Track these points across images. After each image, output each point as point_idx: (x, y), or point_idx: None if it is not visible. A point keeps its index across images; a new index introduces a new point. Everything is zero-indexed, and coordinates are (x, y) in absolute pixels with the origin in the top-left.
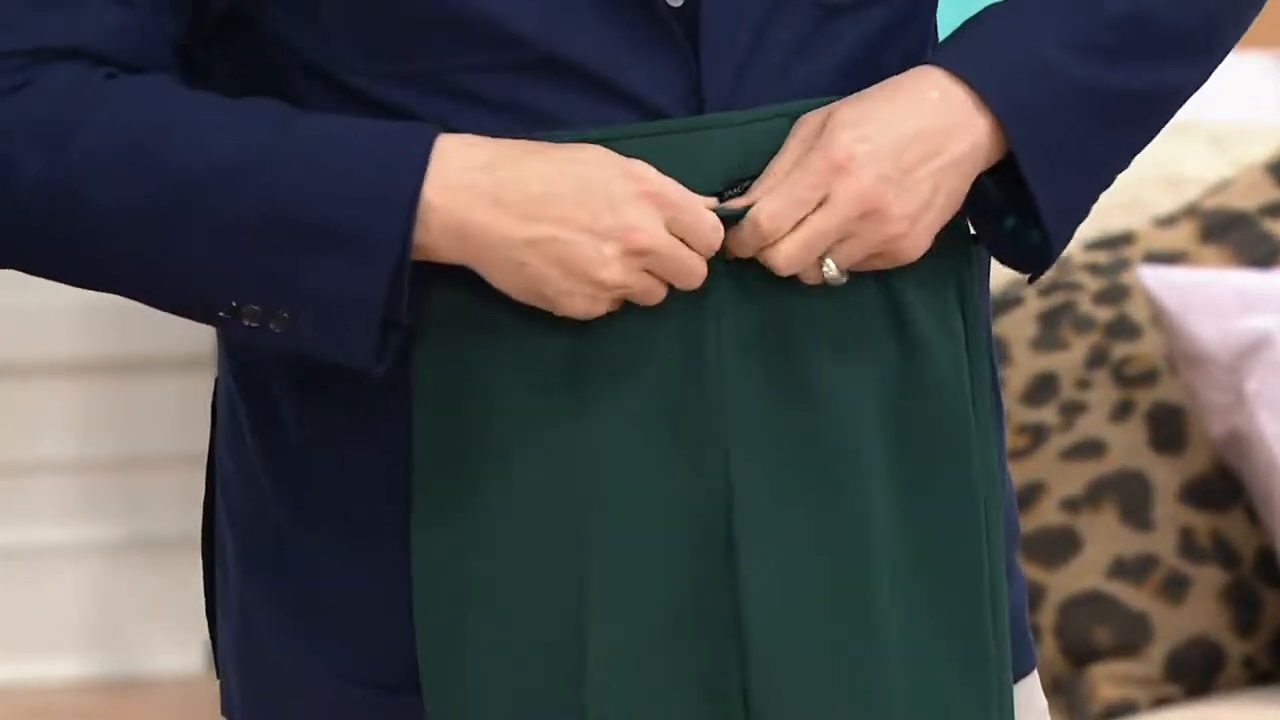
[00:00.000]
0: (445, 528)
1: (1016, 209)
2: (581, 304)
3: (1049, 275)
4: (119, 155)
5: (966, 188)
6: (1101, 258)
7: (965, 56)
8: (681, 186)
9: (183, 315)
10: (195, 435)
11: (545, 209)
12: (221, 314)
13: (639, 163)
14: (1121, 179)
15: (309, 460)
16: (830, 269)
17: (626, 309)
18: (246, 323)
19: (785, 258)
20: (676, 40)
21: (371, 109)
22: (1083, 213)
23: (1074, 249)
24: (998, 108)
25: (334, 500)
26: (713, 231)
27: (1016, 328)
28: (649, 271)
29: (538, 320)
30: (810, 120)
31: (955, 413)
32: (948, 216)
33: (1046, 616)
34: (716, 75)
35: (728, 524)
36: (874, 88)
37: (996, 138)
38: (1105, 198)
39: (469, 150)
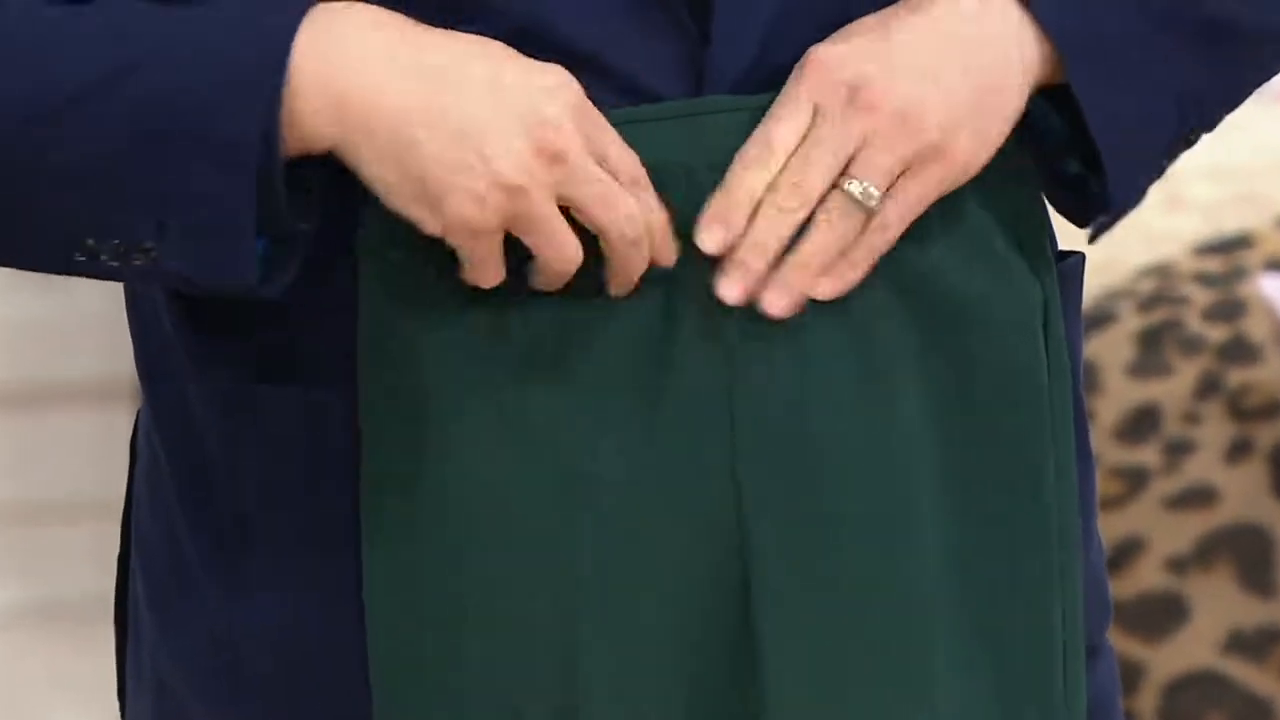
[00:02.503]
0: (402, 600)
1: (1081, 152)
2: (467, 204)
3: (1149, 286)
4: None
5: (1018, 99)
6: (1214, 265)
7: None
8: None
9: (37, 268)
10: (111, 481)
11: (448, 78)
12: (79, 256)
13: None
14: (1237, 168)
15: (236, 510)
16: (854, 185)
17: (616, 312)
18: (105, 259)
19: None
20: (683, 25)
21: None
22: (1145, 141)
23: (1181, 254)
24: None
25: (266, 559)
26: (642, 180)
27: (1110, 349)
28: (560, 196)
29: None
30: None
31: (1026, 434)
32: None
33: (1146, 700)
34: (727, 64)
35: (743, 586)
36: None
37: (1045, 51)
38: (1219, 191)
39: (355, 14)
